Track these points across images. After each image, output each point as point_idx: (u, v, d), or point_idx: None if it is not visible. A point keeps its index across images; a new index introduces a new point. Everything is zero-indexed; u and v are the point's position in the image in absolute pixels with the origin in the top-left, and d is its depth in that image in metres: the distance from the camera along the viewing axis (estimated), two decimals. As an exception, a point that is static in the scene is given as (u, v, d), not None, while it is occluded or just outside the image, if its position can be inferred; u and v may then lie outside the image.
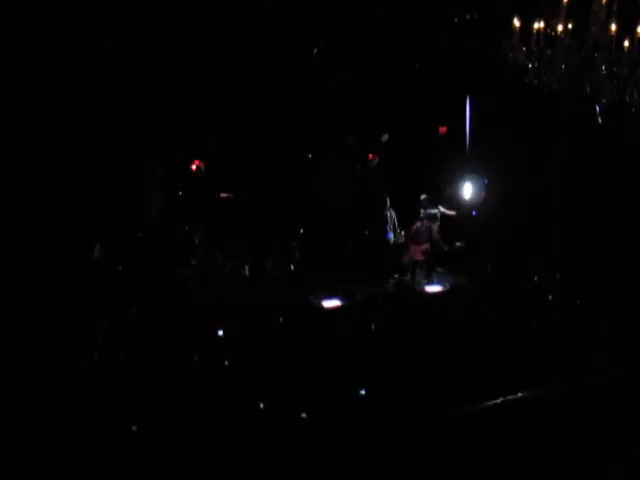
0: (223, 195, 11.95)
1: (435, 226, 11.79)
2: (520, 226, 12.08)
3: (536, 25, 6.66)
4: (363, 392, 6.67)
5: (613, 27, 6.31)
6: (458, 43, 10.87)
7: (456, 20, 10.67)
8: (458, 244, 11.76)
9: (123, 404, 6.32)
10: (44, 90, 10.00)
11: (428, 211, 11.84)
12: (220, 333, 8.19)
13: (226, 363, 7.42)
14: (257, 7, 10.64)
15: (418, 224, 11.65)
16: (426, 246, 11.60)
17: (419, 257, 11.63)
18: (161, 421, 6.07)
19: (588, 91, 6.60)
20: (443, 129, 12.81)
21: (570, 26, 6.59)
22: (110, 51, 10.18)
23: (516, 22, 6.71)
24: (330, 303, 10.19)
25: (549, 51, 6.64)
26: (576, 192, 11.23)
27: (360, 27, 11.26)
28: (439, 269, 11.82)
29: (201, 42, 10.83)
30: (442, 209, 12.14)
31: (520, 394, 6.29)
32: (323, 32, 11.36)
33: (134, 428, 5.91)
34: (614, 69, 6.46)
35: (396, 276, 11.79)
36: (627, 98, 6.65)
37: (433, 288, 10.94)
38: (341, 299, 10.31)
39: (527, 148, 11.69)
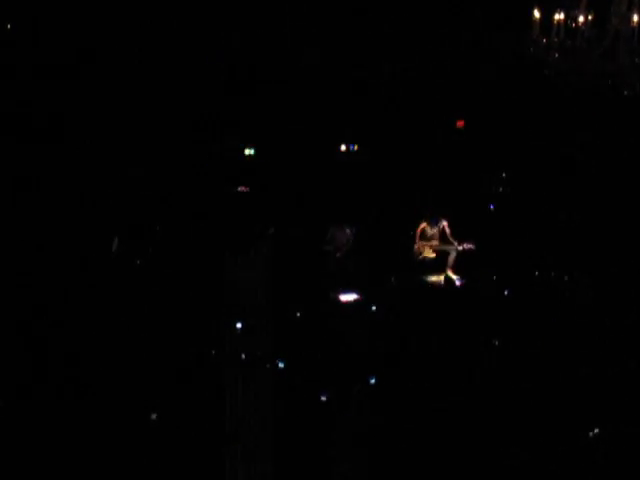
0: (241, 189, 11.97)
1: (444, 223, 11.52)
2: (538, 223, 11.99)
3: (556, 16, 6.62)
4: (373, 381, 6.71)
5: (635, 18, 6.26)
6: (477, 36, 10.83)
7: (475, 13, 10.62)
8: (467, 246, 11.45)
9: (141, 396, 6.37)
10: (63, 86, 10.09)
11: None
12: (239, 326, 8.21)
13: (243, 356, 7.45)
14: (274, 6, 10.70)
15: (425, 222, 11.50)
16: (435, 242, 11.48)
17: (429, 254, 11.51)
18: (177, 412, 6.13)
19: (609, 83, 6.55)
20: (461, 123, 12.75)
21: (591, 17, 6.55)
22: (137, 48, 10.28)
23: (536, 13, 6.68)
24: (347, 297, 10.20)
25: (569, 42, 6.60)
26: (597, 188, 11.14)
27: (377, 22, 11.25)
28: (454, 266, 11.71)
29: (220, 42, 10.88)
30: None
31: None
32: (338, 28, 11.35)
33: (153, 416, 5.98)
34: (636, 60, 6.40)
35: (412, 272, 11.70)
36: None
37: (447, 284, 10.85)
38: (358, 293, 10.31)
39: (547, 142, 11.60)
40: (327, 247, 11.29)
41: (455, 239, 11.37)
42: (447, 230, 11.43)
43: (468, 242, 11.30)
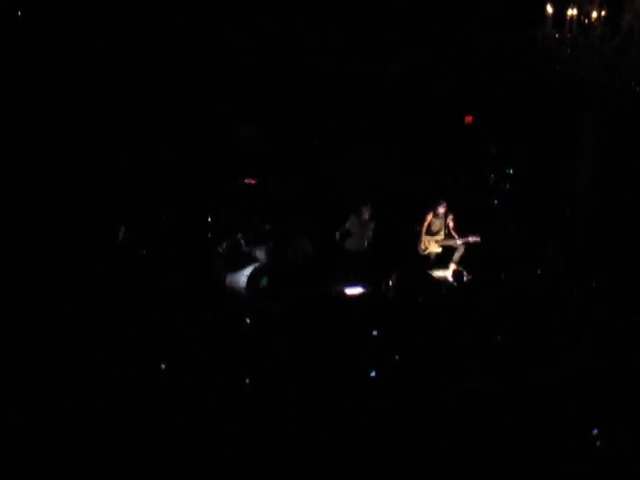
0: (247, 181, 11.96)
1: (450, 218, 11.45)
2: (545, 219, 11.97)
3: (569, 12, 6.61)
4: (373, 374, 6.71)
5: (649, 14, 6.25)
6: (489, 31, 10.79)
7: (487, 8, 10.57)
8: (473, 238, 11.39)
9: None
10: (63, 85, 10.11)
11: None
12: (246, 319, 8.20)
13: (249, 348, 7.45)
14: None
15: (431, 215, 11.45)
16: (440, 237, 11.45)
17: (434, 248, 11.49)
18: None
19: (621, 79, 6.54)
20: (469, 118, 12.72)
21: (604, 13, 6.54)
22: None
23: (549, 9, 6.67)
24: (352, 291, 10.19)
25: (582, 38, 6.59)
26: (606, 185, 11.10)
27: (387, 16, 11.22)
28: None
29: (223, 32, 10.86)
30: None
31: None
32: (346, 20, 11.32)
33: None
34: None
35: (415, 266, 11.67)
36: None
37: (455, 279, 10.82)
38: (363, 287, 10.30)
39: (556, 138, 11.57)
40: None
41: (460, 233, 11.32)
42: (451, 224, 11.39)
43: (474, 235, 11.25)
